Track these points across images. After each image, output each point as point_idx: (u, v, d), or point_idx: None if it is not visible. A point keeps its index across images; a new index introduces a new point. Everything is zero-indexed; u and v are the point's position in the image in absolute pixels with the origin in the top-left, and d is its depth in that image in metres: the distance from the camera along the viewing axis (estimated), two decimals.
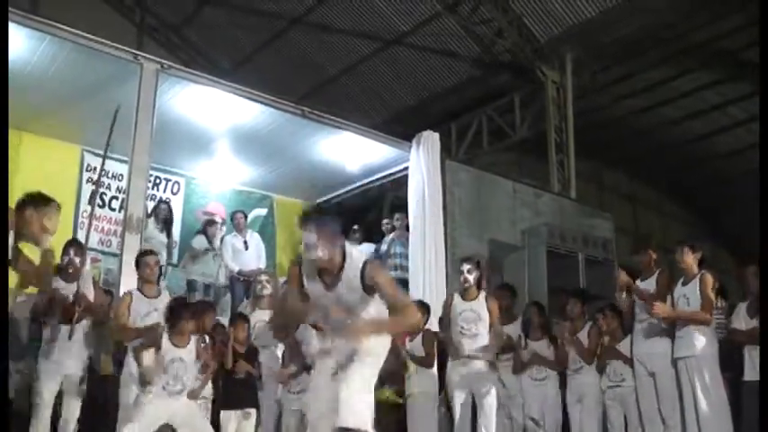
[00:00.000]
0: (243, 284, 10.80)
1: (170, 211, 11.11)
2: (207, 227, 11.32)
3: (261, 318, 8.02)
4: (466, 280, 7.60)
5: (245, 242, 11.13)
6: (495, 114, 15.11)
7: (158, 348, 6.43)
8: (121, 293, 7.59)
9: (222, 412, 7.27)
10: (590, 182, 16.22)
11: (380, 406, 7.92)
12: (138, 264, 7.29)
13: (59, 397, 6.86)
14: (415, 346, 7.95)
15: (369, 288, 4.55)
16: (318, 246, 4.53)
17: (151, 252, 7.57)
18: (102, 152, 8.44)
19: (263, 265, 11.00)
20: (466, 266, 7.68)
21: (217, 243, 11.19)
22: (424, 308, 8.14)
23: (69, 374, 6.84)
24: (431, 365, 7.87)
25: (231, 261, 10.92)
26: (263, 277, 8.42)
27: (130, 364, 6.75)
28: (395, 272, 11.05)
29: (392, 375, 8.11)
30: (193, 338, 6.77)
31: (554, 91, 14.24)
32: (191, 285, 10.80)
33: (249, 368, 7.38)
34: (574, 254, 11.53)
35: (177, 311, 6.74)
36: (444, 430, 7.91)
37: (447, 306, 7.78)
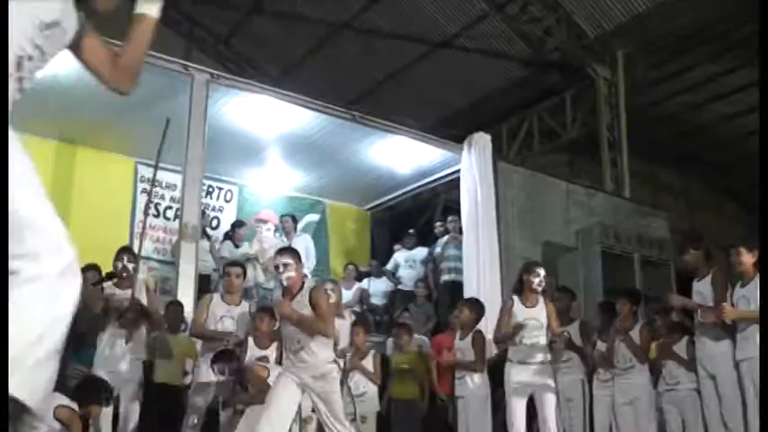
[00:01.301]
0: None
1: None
2: (234, 231, 11.29)
3: None
4: (540, 284, 7.37)
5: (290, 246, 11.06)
6: (545, 114, 15.00)
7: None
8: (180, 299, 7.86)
9: None
10: (644, 180, 16.01)
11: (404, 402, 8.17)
12: (222, 273, 7.76)
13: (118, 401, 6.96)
14: (465, 347, 7.92)
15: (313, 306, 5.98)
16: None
17: (236, 264, 7.92)
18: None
19: (308, 271, 10.94)
20: (542, 272, 7.46)
21: (249, 246, 11.21)
22: (478, 307, 8.11)
23: (125, 379, 6.92)
24: (480, 369, 7.84)
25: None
26: (328, 285, 8.44)
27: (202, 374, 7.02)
28: (449, 275, 11.05)
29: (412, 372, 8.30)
30: (275, 342, 7.16)
31: (605, 88, 14.09)
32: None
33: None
34: (629, 254, 11.36)
35: (260, 315, 7.33)
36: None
37: (508, 310, 7.61)
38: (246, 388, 6.59)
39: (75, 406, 5.87)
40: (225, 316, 7.38)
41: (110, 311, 7.03)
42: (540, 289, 7.38)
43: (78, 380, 7.21)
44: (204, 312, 7.40)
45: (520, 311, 7.37)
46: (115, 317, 6.99)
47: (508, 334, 7.39)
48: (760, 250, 6.31)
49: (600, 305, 8.55)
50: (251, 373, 6.67)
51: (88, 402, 6.03)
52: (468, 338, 7.96)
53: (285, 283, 6.24)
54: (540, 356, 7.30)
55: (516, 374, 7.32)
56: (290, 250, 6.60)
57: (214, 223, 11.81)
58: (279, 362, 7.30)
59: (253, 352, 7.37)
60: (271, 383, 6.49)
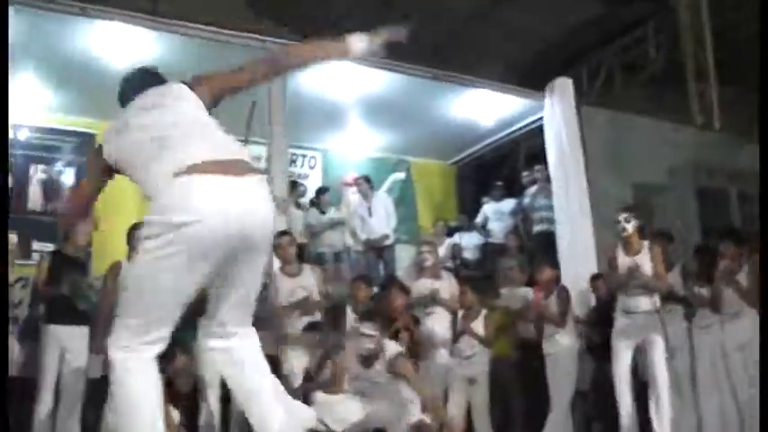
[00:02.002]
0: (373, 252, 10.92)
1: (304, 189, 11.37)
2: (318, 197, 11.31)
3: (425, 287, 8.04)
4: (624, 229, 7.21)
5: (369, 209, 11.10)
6: (626, 49, 14.66)
7: None
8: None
9: None
10: (735, 109, 15.55)
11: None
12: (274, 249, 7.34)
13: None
14: (550, 303, 7.88)
15: None
16: None
17: (284, 233, 7.71)
18: (242, 139, 8.71)
19: (389, 231, 11.00)
20: (622, 216, 7.28)
21: (336, 210, 11.30)
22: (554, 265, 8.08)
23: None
24: (563, 324, 7.80)
25: (359, 230, 11.04)
26: (426, 248, 8.43)
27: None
28: (540, 225, 10.98)
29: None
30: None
31: (688, 14, 13.67)
32: (320, 258, 10.70)
33: (410, 337, 7.33)
34: (724, 190, 11.05)
35: (357, 283, 7.50)
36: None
37: (612, 260, 7.50)
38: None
39: None
40: (295, 289, 7.32)
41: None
42: (624, 235, 7.22)
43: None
44: (275, 294, 7.28)
45: (622, 260, 7.26)
46: None
47: (621, 282, 7.34)
48: (760, 249, 6.06)
49: (697, 249, 8.19)
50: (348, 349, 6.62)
51: (164, 361, 6.23)
52: (553, 296, 7.93)
53: None
54: (646, 305, 7.21)
55: (623, 322, 7.28)
56: None
57: (300, 190, 11.87)
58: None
59: (351, 320, 7.46)
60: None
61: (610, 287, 7.72)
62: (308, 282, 7.38)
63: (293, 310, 7.21)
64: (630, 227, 7.19)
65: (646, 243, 7.26)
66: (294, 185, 11.02)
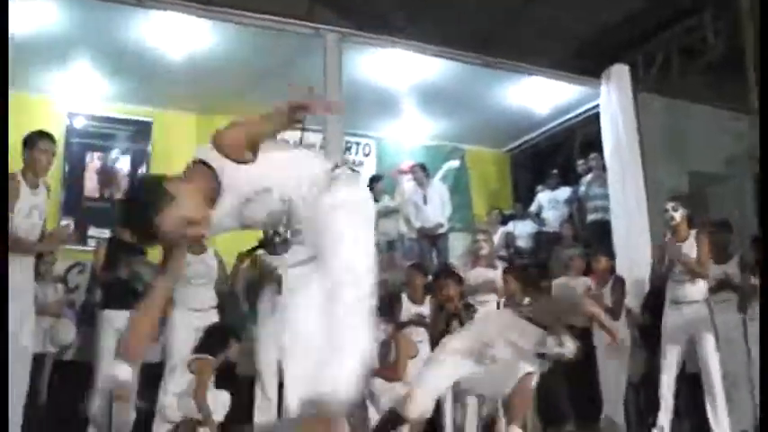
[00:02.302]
0: (427, 239, 10.88)
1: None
2: (372, 186, 11.24)
3: (480, 275, 8.10)
4: (672, 218, 7.31)
5: (425, 196, 11.06)
6: (683, 35, 14.42)
7: None
8: None
9: None
10: None
11: None
12: None
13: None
14: (605, 294, 7.79)
15: None
16: None
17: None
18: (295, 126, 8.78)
19: (444, 219, 10.96)
20: (670, 204, 7.41)
21: (390, 198, 11.25)
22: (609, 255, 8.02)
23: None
24: (617, 316, 7.72)
25: (413, 217, 11.00)
26: (481, 236, 8.42)
27: None
28: (595, 214, 10.90)
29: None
30: (428, 297, 7.41)
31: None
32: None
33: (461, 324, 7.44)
34: None
35: (412, 270, 7.63)
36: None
37: (660, 250, 7.49)
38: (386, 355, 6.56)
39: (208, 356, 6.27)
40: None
41: (264, 278, 7.27)
42: (673, 224, 7.30)
43: None
44: None
45: (670, 248, 7.33)
46: (269, 282, 7.22)
47: (662, 272, 7.33)
48: (761, 249, 5.94)
49: (754, 239, 8.10)
50: (399, 340, 6.66)
51: (219, 348, 6.38)
52: (608, 286, 7.85)
53: None
54: (693, 294, 7.17)
55: (671, 314, 7.23)
56: None
57: None
58: (434, 323, 7.40)
59: (408, 308, 7.50)
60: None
61: (657, 275, 7.65)
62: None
63: None
64: (678, 215, 7.29)
65: (693, 232, 7.31)
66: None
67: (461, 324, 7.33)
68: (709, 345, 7.07)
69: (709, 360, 7.07)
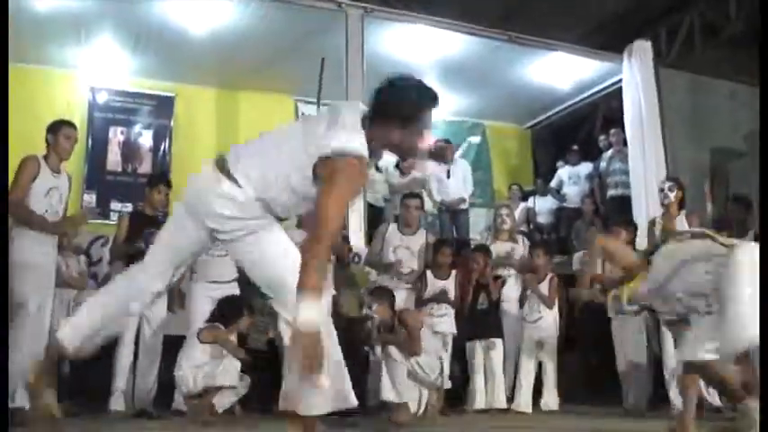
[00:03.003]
0: (448, 214, 10.90)
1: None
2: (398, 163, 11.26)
3: (502, 249, 8.25)
4: (666, 197, 7.52)
5: (449, 171, 11.01)
6: (706, 9, 14.31)
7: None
8: (350, 233, 8.07)
9: (467, 343, 7.59)
10: None
11: None
12: (401, 205, 7.93)
13: None
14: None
15: None
16: None
17: (414, 195, 8.08)
18: (314, 100, 8.93)
19: (466, 194, 10.90)
20: (668, 184, 7.63)
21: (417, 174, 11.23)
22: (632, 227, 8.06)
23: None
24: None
25: (435, 192, 11.01)
26: (504, 211, 8.50)
27: None
28: (616, 190, 10.90)
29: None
30: (453, 272, 7.53)
31: None
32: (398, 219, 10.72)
33: (490, 298, 7.67)
34: None
35: (437, 247, 7.62)
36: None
37: (651, 227, 7.63)
38: (392, 329, 6.61)
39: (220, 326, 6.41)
40: (400, 246, 7.55)
41: None
42: (666, 202, 7.52)
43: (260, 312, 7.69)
44: (379, 243, 7.65)
45: (659, 228, 7.51)
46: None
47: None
48: (760, 249, 5.92)
49: None
50: (407, 315, 6.68)
51: (232, 320, 6.50)
52: None
53: None
54: None
55: None
56: None
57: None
58: (461, 297, 7.51)
59: (433, 283, 7.58)
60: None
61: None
62: (415, 245, 7.71)
63: (386, 270, 7.58)
64: (673, 196, 7.49)
65: (683, 212, 7.54)
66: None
67: (489, 296, 7.54)
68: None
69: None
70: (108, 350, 6.91)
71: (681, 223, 7.38)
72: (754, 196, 10.34)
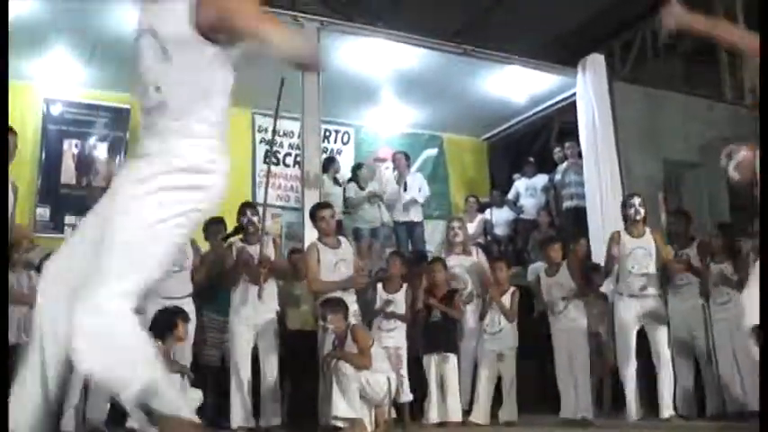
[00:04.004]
0: (404, 227, 10.94)
1: (339, 165, 11.34)
2: (356, 173, 11.27)
3: (456, 262, 8.19)
4: (637, 212, 7.62)
5: (405, 184, 11.03)
6: (659, 24, 14.52)
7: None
8: (306, 247, 8.01)
9: (423, 356, 7.54)
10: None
11: None
12: (314, 217, 7.52)
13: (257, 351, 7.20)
14: (561, 279, 7.88)
15: None
16: None
17: (327, 205, 7.76)
18: (271, 113, 8.89)
19: (421, 198, 11.04)
20: (637, 200, 7.73)
21: (374, 186, 11.25)
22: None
23: (262, 332, 7.15)
24: (585, 294, 7.87)
25: (392, 205, 11.03)
26: (455, 224, 8.50)
27: None
28: (571, 201, 11.00)
29: None
30: (405, 285, 7.49)
31: None
32: (356, 233, 10.76)
33: (445, 311, 7.56)
34: None
35: (392, 257, 7.69)
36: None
37: (615, 243, 7.68)
38: (342, 344, 6.62)
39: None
40: (337, 262, 7.31)
41: (240, 267, 7.26)
42: (638, 218, 7.62)
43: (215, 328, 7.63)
44: (316, 266, 7.28)
45: (628, 242, 7.60)
46: (246, 272, 7.21)
47: (611, 263, 7.66)
48: (760, 250, 6.04)
49: (719, 226, 8.39)
50: (357, 331, 6.66)
51: (164, 333, 6.24)
52: (563, 269, 7.93)
53: None
54: (650, 288, 7.45)
55: (625, 307, 7.45)
56: None
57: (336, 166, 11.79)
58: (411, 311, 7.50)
59: (381, 295, 7.59)
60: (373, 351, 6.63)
61: (609, 268, 7.84)
62: (348, 255, 7.44)
63: (339, 286, 7.24)
64: (643, 211, 7.66)
65: (648, 228, 7.72)
66: (331, 161, 11.05)
67: (447, 310, 7.55)
68: (662, 336, 7.46)
69: (661, 352, 7.43)
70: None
71: (647, 238, 7.58)
72: (705, 206, 10.59)
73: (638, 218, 7.61)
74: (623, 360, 7.49)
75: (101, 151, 10.82)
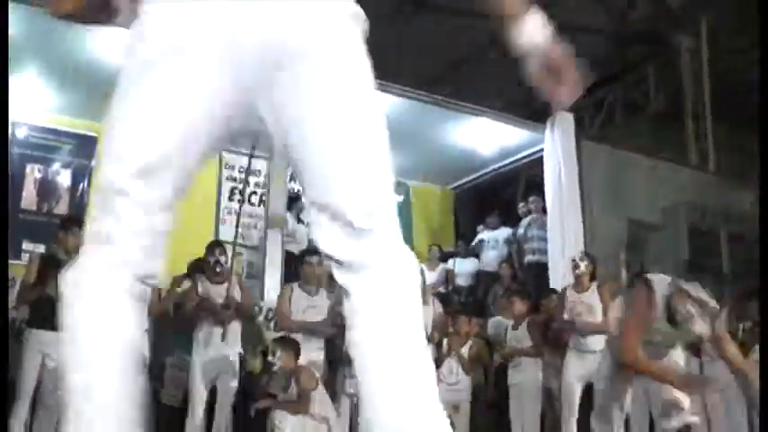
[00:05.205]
0: None
1: (304, 204, 11.18)
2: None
3: None
4: (577, 266, 7.78)
5: None
6: (629, 87, 14.75)
7: None
8: (266, 287, 7.95)
9: None
10: (730, 150, 15.60)
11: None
12: (301, 262, 7.65)
13: (213, 392, 7.10)
14: (521, 334, 7.94)
15: None
16: None
17: (315, 252, 7.74)
18: (241, 150, 8.90)
19: None
20: (578, 256, 7.97)
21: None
22: (528, 296, 8.24)
23: (222, 374, 7.06)
24: (538, 354, 7.95)
25: None
26: None
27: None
28: (533, 256, 11.02)
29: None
30: None
31: (689, 58, 13.81)
32: None
33: None
34: (716, 230, 11.25)
35: None
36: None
37: (561, 298, 7.82)
38: (288, 386, 6.59)
39: None
40: (308, 308, 7.37)
41: (205, 309, 7.16)
42: (579, 273, 7.76)
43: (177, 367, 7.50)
44: (287, 306, 7.41)
45: (570, 296, 7.77)
46: (210, 313, 7.12)
47: (560, 320, 7.81)
48: (760, 254, 6.12)
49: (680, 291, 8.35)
50: (300, 373, 6.64)
51: None
52: (524, 327, 8.02)
53: None
54: (596, 344, 7.35)
55: (573, 362, 7.49)
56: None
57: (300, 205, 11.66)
58: None
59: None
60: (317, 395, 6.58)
61: (558, 323, 7.91)
62: (322, 304, 7.46)
63: (302, 327, 7.26)
64: (584, 266, 7.78)
65: (594, 284, 7.82)
66: (296, 200, 10.96)
67: None
68: None
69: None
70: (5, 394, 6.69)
71: (592, 294, 7.64)
72: (668, 267, 10.61)
73: (577, 272, 7.76)
74: (566, 415, 7.51)
75: (64, 178, 10.68)
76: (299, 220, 10.82)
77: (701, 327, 4.90)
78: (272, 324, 8.21)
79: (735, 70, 14.37)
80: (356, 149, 1.92)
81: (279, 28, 1.83)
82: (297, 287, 7.52)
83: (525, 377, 7.82)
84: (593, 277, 7.83)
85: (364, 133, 1.97)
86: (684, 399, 5.14)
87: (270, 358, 6.75)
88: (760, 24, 7.22)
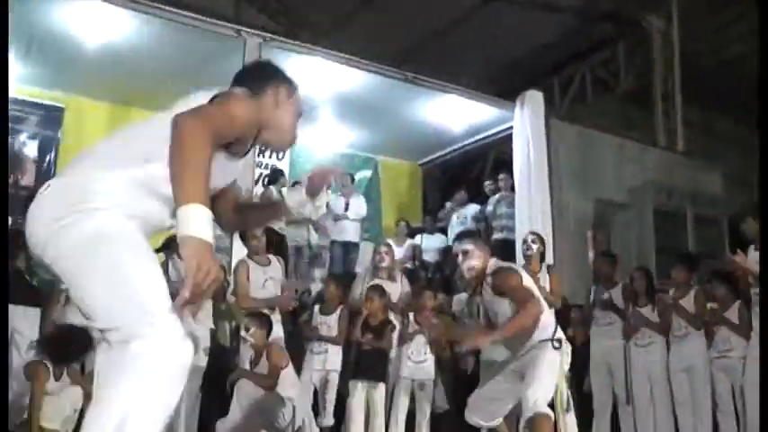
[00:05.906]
0: (341, 247, 10.94)
1: (287, 178, 11.21)
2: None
3: None
4: (529, 248, 7.78)
5: (347, 204, 11.15)
6: (598, 66, 14.83)
7: None
8: (233, 261, 7.87)
9: (350, 381, 7.42)
10: (699, 132, 15.73)
11: None
12: (243, 236, 7.44)
13: None
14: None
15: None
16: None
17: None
18: None
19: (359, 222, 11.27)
20: (529, 237, 7.91)
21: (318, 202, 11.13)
22: None
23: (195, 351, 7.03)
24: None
25: (332, 225, 11.04)
26: (383, 249, 8.45)
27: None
28: (501, 233, 11.06)
29: None
30: (340, 308, 7.48)
31: (660, 39, 13.88)
32: None
33: (375, 342, 7.39)
34: (682, 211, 11.33)
35: (327, 281, 7.73)
36: None
37: None
38: (258, 361, 6.57)
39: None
40: (266, 280, 7.27)
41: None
42: (529, 253, 7.77)
43: None
44: (246, 283, 7.22)
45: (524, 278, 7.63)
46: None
47: None
48: (761, 251, 6.19)
49: (640, 271, 8.36)
50: (272, 350, 6.58)
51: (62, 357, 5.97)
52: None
53: (467, 276, 5.68)
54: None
55: None
56: (469, 234, 6.34)
57: (265, 182, 11.68)
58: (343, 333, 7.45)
59: (317, 319, 7.55)
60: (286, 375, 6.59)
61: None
62: (277, 273, 7.39)
63: (266, 304, 7.18)
64: (535, 248, 7.76)
65: (545, 265, 7.85)
66: (280, 173, 10.92)
67: (378, 337, 7.42)
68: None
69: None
70: None
71: (543, 276, 7.58)
72: (634, 247, 10.76)
73: (528, 253, 7.76)
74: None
75: (31, 149, 10.59)
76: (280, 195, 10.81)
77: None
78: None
79: (705, 52, 14.49)
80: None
81: None
82: (250, 262, 7.31)
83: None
84: (542, 258, 7.86)
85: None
86: None
87: (243, 334, 6.73)
88: (759, 22, 7.24)
